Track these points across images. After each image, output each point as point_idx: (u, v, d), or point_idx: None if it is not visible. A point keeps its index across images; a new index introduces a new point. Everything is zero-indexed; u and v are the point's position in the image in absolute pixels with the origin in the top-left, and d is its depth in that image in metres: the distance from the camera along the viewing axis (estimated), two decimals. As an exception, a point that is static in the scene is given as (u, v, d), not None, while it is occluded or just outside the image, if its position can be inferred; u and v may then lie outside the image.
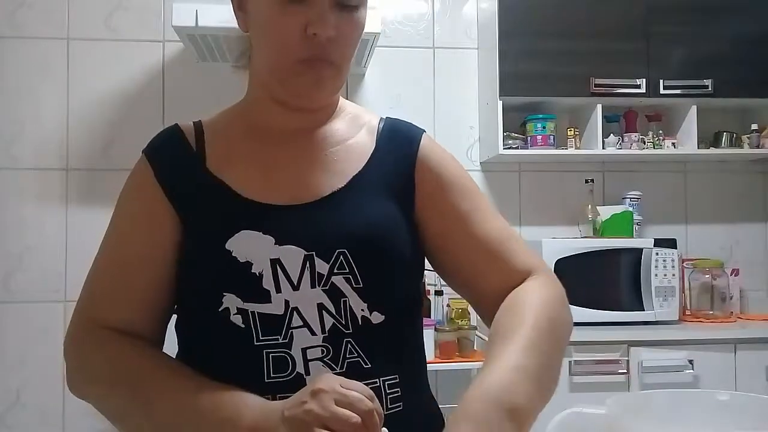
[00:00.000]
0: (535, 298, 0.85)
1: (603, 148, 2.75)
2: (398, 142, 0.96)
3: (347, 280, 0.84)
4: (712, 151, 2.88)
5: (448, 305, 2.64)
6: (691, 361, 2.37)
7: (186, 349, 0.92)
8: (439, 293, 2.60)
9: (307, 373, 0.82)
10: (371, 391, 0.71)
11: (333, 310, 0.84)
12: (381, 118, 1.01)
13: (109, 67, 2.79)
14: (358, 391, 0.70)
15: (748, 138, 2.89)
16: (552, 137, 2.78)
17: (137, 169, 0.93)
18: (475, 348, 2.49)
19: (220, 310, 0.83)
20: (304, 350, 0.82)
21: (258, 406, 0.76)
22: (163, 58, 2.82)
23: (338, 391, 0.69)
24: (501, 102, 2.66)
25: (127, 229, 0.91)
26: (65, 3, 2.79)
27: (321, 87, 0.90)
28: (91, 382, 0.87)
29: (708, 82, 2.72)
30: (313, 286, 0.83)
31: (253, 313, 0.83)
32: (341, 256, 0.85)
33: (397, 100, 2.89)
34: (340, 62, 0.89)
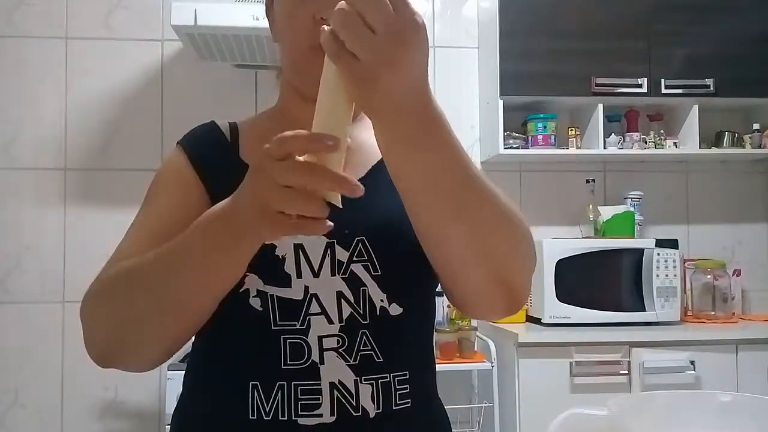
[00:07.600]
0: None
1: (604, 148, 2.74)
2: None
3: (366, 267, 0.86)
4: (714, 150, 2.87)
5: (448, 306, 2.62)
6: (692, 362, 2.36)
7: (205, 339, 0.91)
8: (439, 294, 2.58)
9: (322, 362, 0.82)
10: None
11: (352, 299, 0.85)
12: None
13: (108, 66, 2.79)
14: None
15: (750, 138, 2.88)
16: (553, 137, 2.77)
17: (170, 157, 0.94)
18: (475, 348, 2.48)
19: (240, 291, 0.83)
20: (320, 338, 0.83)
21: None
22: (162, 58, 2.82)
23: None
24: (502, 101, 2.65)
25: (159, 203, 0.90)
26: (64, 2, 2.78)
27: None
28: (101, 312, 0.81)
29: (709, 81, 2.72)
30: (333, 273, 0.85)
31: (272, 296, 0.83)
32: (360, 244, 0.86)
33: (397, 100, 2.88)
34: None
